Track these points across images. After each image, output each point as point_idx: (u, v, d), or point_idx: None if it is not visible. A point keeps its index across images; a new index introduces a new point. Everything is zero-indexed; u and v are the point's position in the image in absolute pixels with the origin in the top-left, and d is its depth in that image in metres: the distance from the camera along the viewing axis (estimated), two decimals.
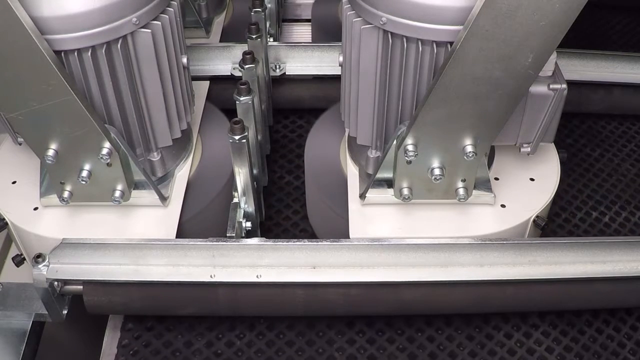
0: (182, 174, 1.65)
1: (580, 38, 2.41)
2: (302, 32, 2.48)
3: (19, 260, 1.59)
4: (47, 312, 1.47)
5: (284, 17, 2.45)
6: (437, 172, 1.44)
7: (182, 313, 1.50)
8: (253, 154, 1.57)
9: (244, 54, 1.62)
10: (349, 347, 1.49)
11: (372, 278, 1.40)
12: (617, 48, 2.39)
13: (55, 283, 1.41)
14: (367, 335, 1.51)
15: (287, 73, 1.97)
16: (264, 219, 1.77)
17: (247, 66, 1.62)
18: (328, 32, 2.24)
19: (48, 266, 1.39)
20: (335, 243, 1.43)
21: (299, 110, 2.10)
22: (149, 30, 1.39)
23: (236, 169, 1.49)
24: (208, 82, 1.92)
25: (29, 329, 1.53)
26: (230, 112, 1.68)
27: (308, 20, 2.46)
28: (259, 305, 1.45)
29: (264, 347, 1.49)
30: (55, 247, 1.42)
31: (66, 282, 1.41)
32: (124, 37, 1.37)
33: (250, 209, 1.57)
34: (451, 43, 1.30)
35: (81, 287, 1.42)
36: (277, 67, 1.96)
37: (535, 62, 1.27)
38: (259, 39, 1.73)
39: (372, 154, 1.57)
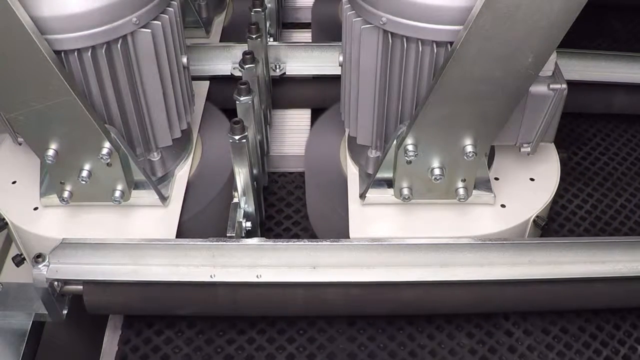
0: (182, 174, 1.65)
1: (580, 38, 2.41)
2: (302, 38, 2.45)
3: (19, 260, 1.60)
4: (47, 312, 1.46)
5: (283, 21, 2.41)
6: (437, 172, 1.44)
7: (182, 313, 1.50)
8: (253, 154, 1.57)
9: (244, 54, 1.62)
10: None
11: (372, 278, 1.40)
12: (617, 48, 2.39)
13: (55, 283, 1.40)
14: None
15: (287, 73, 1.96)
16: (264, 218, 1.77)
17: (247, 66, 1.62)
18: (328, 32, 2.24)
19: (48, 266, 1.39)
20: (335, 243, 1.43)
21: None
22: (149, 30, 1.39)
23: (236, 169, 1.48)
24: (208, 82, 1.92)
25: (29, 329, 1.53)
26: (230, 112, 1.68)
27: (308, 25, 2.42)
28: (259, 305, 1.45)
29: None
30: (55, 247, 1.42)
31: (66, 282, 1.41)
32: (124, 37, 1.37)
33: (250, 209, 1.57)
34: (451, 43, 1.30)
35: (81, 287, 1.41)
36: (277, 67, 1.96)
37: (535, 62, 1.27)
38: (259, 39, 1.73)
39: (372, 154, 1.57)
